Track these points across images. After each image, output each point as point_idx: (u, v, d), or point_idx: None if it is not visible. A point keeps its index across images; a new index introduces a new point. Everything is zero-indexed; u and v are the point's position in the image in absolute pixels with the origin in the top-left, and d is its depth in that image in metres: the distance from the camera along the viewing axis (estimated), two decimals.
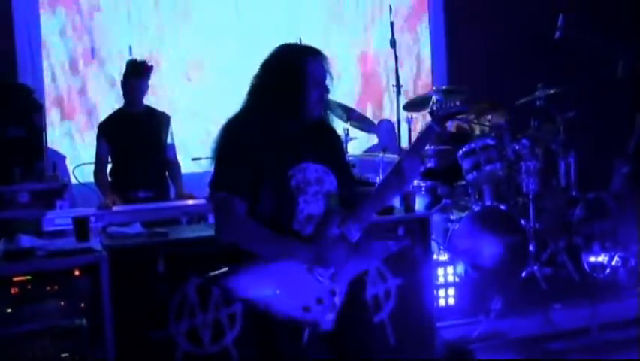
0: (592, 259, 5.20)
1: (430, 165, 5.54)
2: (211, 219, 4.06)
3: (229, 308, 3.43)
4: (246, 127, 2.34)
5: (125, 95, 4.53)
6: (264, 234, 2.29)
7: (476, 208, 5.02)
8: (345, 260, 2.35)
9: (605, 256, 5.19)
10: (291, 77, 2.35)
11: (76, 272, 3.02)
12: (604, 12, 6.44)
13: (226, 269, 2.30)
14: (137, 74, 4.45)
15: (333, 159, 2.49)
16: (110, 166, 4.62)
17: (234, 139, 2.34)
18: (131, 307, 3.18)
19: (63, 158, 5.64)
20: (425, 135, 2.57)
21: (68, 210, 3.79)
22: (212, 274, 2.32)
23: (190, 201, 4.17)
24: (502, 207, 5.06)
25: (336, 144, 2.60)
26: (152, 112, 4.66)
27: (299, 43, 2.50)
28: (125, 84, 4.50)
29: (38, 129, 4.02)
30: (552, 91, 5.42)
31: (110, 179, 4.57)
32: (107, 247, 3.16)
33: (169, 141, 4.67)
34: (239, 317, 3.44)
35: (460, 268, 4.82)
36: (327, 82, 2.43)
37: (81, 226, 3.28)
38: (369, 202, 2.47)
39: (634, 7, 6.39)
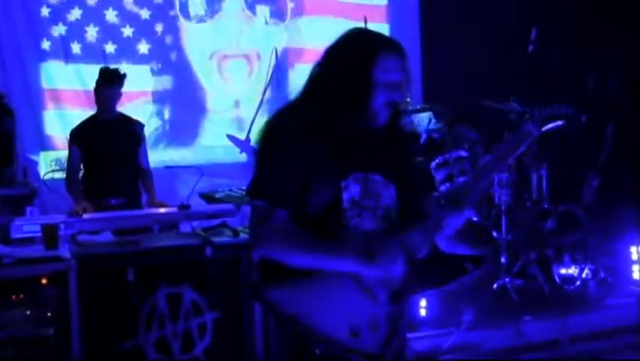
0: (562, 271, 5.21)
1: None
2: (183, 227, 4.05)
3: (200, 318, 3.40)
4: (297, 124, 1.98)
5: (98, 102, 4.50)
6: (311, 241, 1.95)
7: None
8: (407, 279, 2.01)
9: (575, 268, 5.21)
10: (354, 71, 1.98)
11: (44, 281, 2.99)
12: (576, 26, 6.51)
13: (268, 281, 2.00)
14: (109, 81, 4.42)
15: (397, 170, 2.10)
16: (81, 173, 4.57)
17: (281, 138, 1.99)
18: (99, 317, 3.15)
19: (35, 163, 5.57)
20: (519, 140, 2.11)
21: (37, 218, 3.74)
22: (254, 283, 2.07)
23: (162, 210, 4.14)
24: (475, 218, 5.06)
25: (405, 153, 2.20)
26: (125, 119, 4.63)
27: (372, 30, 2.16)
28: (98, 92, 4.47)
29: (8, 135, 3.96)
30: (525, 107, 5.45)
31: (81, 186, 4.52)
32: (76, 256, 3.13)
33: (142, 148, 4.63)
34: (209, 327, 3.42)
35: None
36: (401, 84, 2.03)
37: (50, 234, 3.24)
38: (442, 212, 2.07)
39: (605, 22, 6.47)
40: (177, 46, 6.23)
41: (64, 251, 3.19)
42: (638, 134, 6.22)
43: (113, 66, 4.67)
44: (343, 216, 1.98)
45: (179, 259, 3.36)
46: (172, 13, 6.19)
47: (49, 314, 2.97)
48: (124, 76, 4.48)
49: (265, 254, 1.97)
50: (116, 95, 4.47)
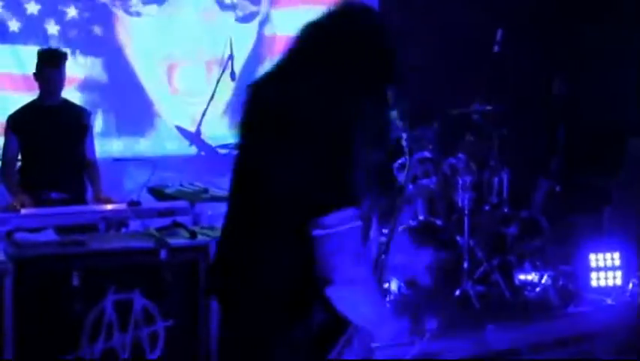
0: (523, 277, 5.16)
1: None
2: (133, 225, 3.71)
3: (151, 327, 3.10)
4: (349, 111, 1.64)
5: (40, 86, 4.13)
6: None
7: (412, 223, 4.89)
8: None
9: (535, 274, 5.16)
10: (385, 62, 1.75)
11: None
12: (541, 29, 6.45)
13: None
14: (51, 63, 4.06)
15: None
16: (19, 164, 4.19)
17: (348, 128, 1.61)
18: (38, 327, 2.82)
19: None
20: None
21: None
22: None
23: (109, 206, 3.80)
24: (438, 222, 4.96)
25: None
26: (69, 106, 4.28)
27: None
28: (39, 75, 4.09)
29: None
30: (489, 107, 5.37)
31: (18, 177, 4.13)
32: (12, 257, 2.78)
33: (88, 138, 4.28)
34: (162, 336, 3.12)
35: (394, 285, 4.66)
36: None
37: None
38: None
39: (570, 25, 6.44)
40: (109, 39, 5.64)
41: None
42: (593, 139, 6.22)
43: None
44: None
45: (130, 263, 3.04)
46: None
47: None
48: (65, 55, 4.16)
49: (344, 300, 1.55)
50: (60, 78, 4.11)
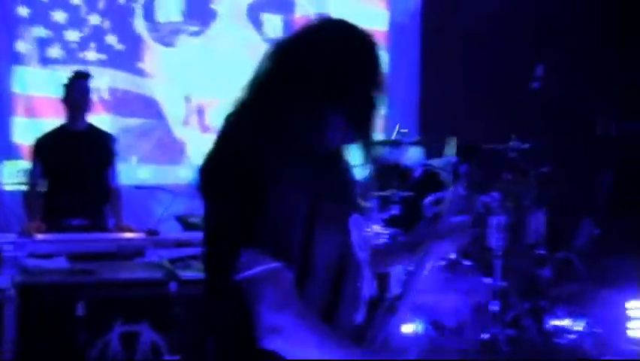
0: (556, 322, 4.96)
1: (393, 211, 5.27)
2: (150, 256, 3.67)
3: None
4: (290, 143, 1.49)
5: (68, 105, 4.14)
6: (341, 343, 1.48)
7: (442, 262, 4.74)
8: None
9: (569, 320, 4.95)
10: (361, 74, 1.56)
11: None
12: (585, 66, 6.27)
13: None
14: (79, 76, 4.15)
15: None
16: (44, 189, 4.19)
17: (283, 160, 1.46)
18: (39, 358, 2.75)
19: None
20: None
21: None
22: None
23: (128, 235, 3.76)
24: (468, 262, 4.81)
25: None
26: (95, 131, 4.29)
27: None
28: (68, 92, 4.12)
29: None
30: (526, 145, 5.21)
31: (41, 202, 4.13)
32: (17, 284, 2.74)
33: (112, 165, 4.27)
34: None
35: (420, 327, 4.51)
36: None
37: None
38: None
39: (614, 63, 6.25)
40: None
41: (5, 278, 2.80)
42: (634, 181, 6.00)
43: None
44: (358, 276, 1.57)
45: (139, 294, 2.98)
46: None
47: None
48: (90, 74, 4.21)
49: (282, 352, 1.42)
50: (87, 91, 4.13)
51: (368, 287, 1.64)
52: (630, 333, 4.76)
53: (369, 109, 1.57)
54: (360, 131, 1.58)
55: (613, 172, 5.93)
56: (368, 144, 1.61)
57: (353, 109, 1.55)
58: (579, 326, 4.87)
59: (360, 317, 1.60)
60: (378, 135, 3.36)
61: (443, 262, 4.82)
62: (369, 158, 1.61)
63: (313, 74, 1.53)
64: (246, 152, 1.47)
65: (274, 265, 1.40)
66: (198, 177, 1.59)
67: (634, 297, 4.81)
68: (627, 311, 4.78)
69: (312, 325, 1.43)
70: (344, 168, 1.67)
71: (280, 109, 1.52)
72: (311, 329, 1.42)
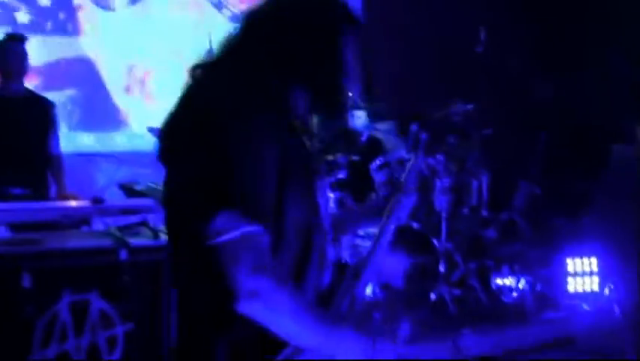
0: (500, 281, 5.09)
1: (340, 175, 5.27)
2: (96, 224, 3.58)
3: (109, 331, 2.97)
4: (259, 108, 1.47)
5: (2, 69, 3.97)
6: (307, 314, 1.47)
7: None
8: None
9: (512, 279, 5.08)
10: (322, 42, 1.55)
11: None
12: (526, 30, 6.36)
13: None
14: (13, 38, 3.99)
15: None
16: None
17: (249, 125, 1.44)
18: None
19: None
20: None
21: None
22: None
23: (72, 203, 3.66)
24: (415, 225, 4.87)
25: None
26: (34, 97, 4.13)
27: None
28: (1, 56, 3.95)
29: None
30: (470, 107, 5.26)
31: None
32: None
33: (53, 132, 4.13)
34: (120, 340, 2.99)
35: (368, 289, 4.55)
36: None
37: None
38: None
39: (555, 26, 6.36)
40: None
41: None
42: (573, 143, 6.16)
43: None
44: (324, 241, 1.59)
45: (87, 263, 2.90)
46: None
47: None
48: (26, 37, 4.04)
49: (257, 316, 1.41)
50: (23, 56, 3.96)
51: (331, 252, 1.65)
52: (570, 289, 4.93)
53: (334, 79, 1.57)
54: (325, 101, 1.59)
55: (548, 134, 6.06)
56: (331, 114, 1.63)
57: (319, 77, 1.55)
58: (521, 283, 5.01)
59: (325, 280, 1.62)
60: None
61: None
62: (331, 127, 1.66)
63: (281, 42, 1.52)
64: (215, 114, 1.44)
65: (252, 228, 1.38)
66: (159, 139, 1.56)
67: (573, 255, 4.97)
68: (567, 268, 4.94)
69: (288, 290, 1.44)
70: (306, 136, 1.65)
71: (249, 72, 1.51)
72: (287, 293, 1.43)
